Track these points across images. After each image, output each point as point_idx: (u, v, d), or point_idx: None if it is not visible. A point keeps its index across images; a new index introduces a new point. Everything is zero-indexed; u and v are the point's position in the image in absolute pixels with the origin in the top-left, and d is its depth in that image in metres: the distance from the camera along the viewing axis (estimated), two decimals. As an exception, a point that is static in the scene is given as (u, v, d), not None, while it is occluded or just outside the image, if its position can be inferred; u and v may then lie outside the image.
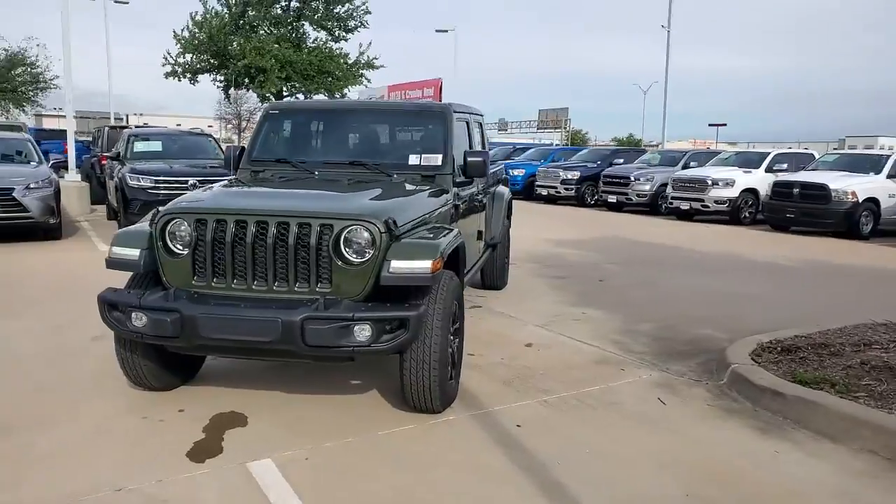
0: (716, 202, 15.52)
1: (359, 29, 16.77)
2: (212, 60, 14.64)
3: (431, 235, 3.90)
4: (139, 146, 11.59)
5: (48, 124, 39.99)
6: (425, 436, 3.69)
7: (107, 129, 15.77)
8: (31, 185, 9.61)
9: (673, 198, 16.35)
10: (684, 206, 16.02)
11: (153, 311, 3.57)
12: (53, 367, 4.67)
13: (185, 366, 4.22)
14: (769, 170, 16.11)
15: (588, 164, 21.05)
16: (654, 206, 17.47)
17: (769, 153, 17.18)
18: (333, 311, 3.46)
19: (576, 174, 20.25)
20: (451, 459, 3.42)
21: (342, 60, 16.11)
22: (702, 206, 15.70)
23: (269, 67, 14.13)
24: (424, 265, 3.57)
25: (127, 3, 25.60)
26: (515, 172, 22.06)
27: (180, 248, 3.73)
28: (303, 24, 15.82)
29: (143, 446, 3.48)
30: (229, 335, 3.50)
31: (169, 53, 15.01)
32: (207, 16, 14.46)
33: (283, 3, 15.43)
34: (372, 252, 3.59)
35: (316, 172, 4.76)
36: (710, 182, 15.67)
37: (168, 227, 3.74)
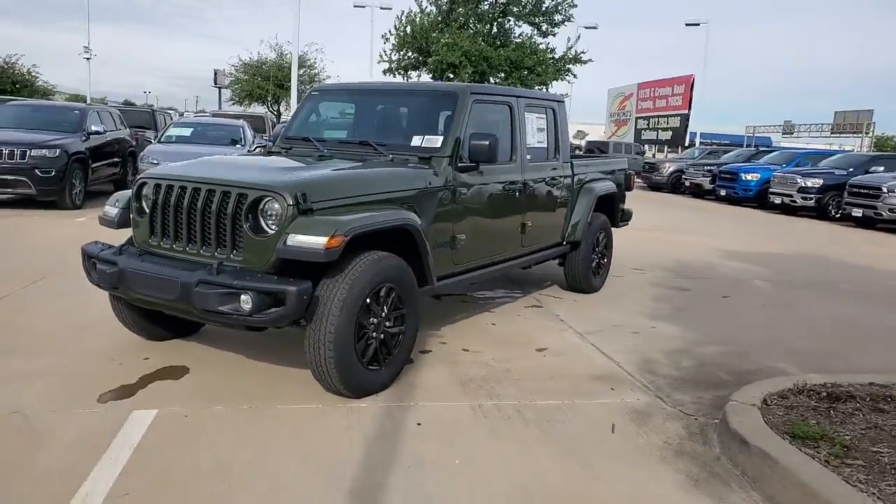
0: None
1: (565, 23, 16.49)
2: (416, 57, 15.50)
3: (347, 213, 3.75)
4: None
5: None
6: (313, 417, 3.60)
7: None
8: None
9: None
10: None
11: (103, 262, 3.98)
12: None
13: (171, 319, 4.53)
14: None
15: (836, 170, 18.14)
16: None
17: None
18: (222, 277, 3.54)
19: (817, 182, 17.54)
20: (299, 443, 3.31)
21: (547, 55, 15.93)
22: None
23: (458, 63, 14.54)
24: (318, 241, 3.48)
25: (390, 8, 28.15)
26: (749, 177, 19.92)
27: (146, 209, 4.09)
28: (508, 20, 15.96)
29: (79, 382, 3.89)
30: (145, 291, 3.77)
31: (384, 51, 16.26)
32: (418, 14, 15.35)
33: (491, 0, 15.75)
34: (278, 224, 3.59)
35: (326, 150, 4.86)
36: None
37: (140, 191, 4.13)
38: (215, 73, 33.54)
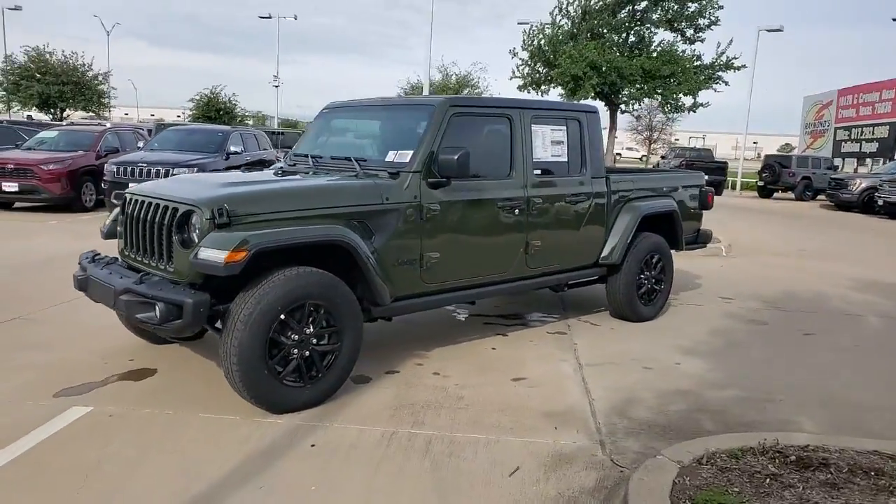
0: None
1: (712, 27, 15.19)
2: (546, 71, 15.18)
3: (270, 228, 3.76)
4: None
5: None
6: (221, 429, 3.66)
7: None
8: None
9: None
10: None
11: (79, 268, 4.37)
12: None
13: None
14: None
15: None
16: None
17: None
18: (142, 287, 3.73)
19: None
20: (184, 451, 3.38)
21: (689, 63, 14.83)
22: None
23: (583, 75, 13.97)
24: (219, 255, 3.55)
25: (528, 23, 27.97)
26: None
27: (122, 222, 4.44)
28: (646, 28, 15.11)
29: (54, 377, 4.27)
30: (97, 296, 4.09)
31: (516, 67, 16.10)
32: (548, 26, 15.03)
33: (628, 8, 14.97)
34: (200, 238, 3.72)
35: (317, 167, 4.93)
36: None
37: (123, 205, 4.49)
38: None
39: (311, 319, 3.87)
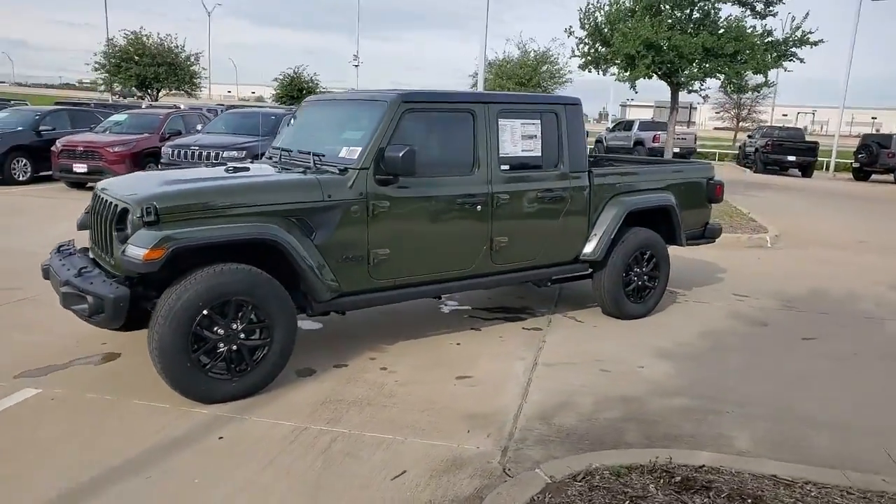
0: None
1: (783, 1, 14.10)
2: (602, 49, 14.62)
3: (200, 225, 3.90)
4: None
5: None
6: (147, 416, 3.85)
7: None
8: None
9: None
10: None
11: (47, 258, 4.67)
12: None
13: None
14: None
15: None
16: None
17: None
18: (78, 280, 3.97)
19: None
20: (99, 436, 3.59)
21: (756, 39, 13.89)
22: None
23: (636, 54, 13.31)
24: (139, 253, 3.72)
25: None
26: None
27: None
28: (711, 2, 14.24)
29: (23, 358, 4.59)
30: (53, 285, 4.36)
31: (576, 46, 15.59)
32: (606, 4, 14.44)
33: (693, -18, 14.16)
34: (131, 234, 3.91)
35: (284, 161, 5.05)
36: None
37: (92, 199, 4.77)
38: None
39: (239, 315, 4.00)
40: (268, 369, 4.17)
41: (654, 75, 14.31)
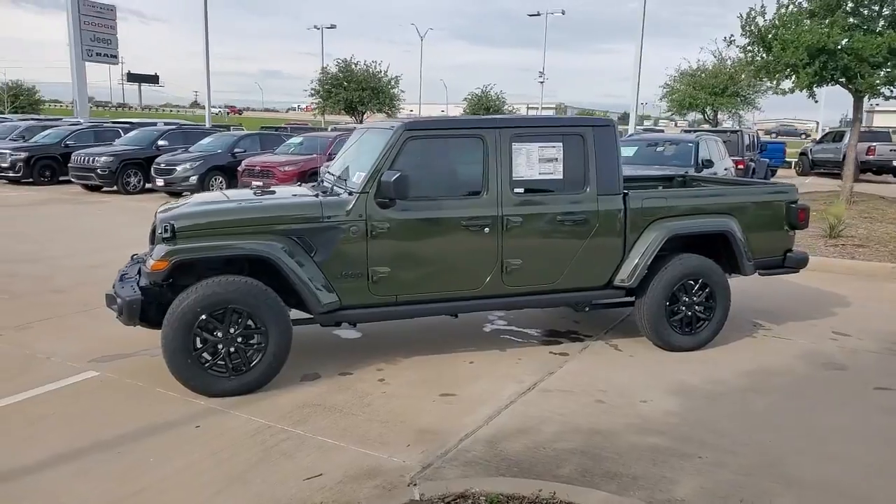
0: None
1: None
2: (763, 56, 13.30)
3: (207, 241, 4.52)
4: None
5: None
6: (150, 401, 4.52)
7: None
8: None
9: None
10: None
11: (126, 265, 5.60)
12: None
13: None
14: None
15: None
16: None
17: None
18: (117, 284, 4.78)
19: None
20: (94, 415, 4.29)
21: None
22: None
23: (798, 62, 11.89)
24: (150, 263, 4.42)
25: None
26: None
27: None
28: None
29: (102, 346, 5.54)
30: (116, 288, 5.24)
31: (744, 55, 14.35)
32: (782, 7, 13.16)
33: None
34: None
35: (322, 184, 5.58)
36: None
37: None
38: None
39: (237, 321, 4.55)
40: (263, 370, 4.66)
41: (828, 82, 12.91)
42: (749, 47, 13.74)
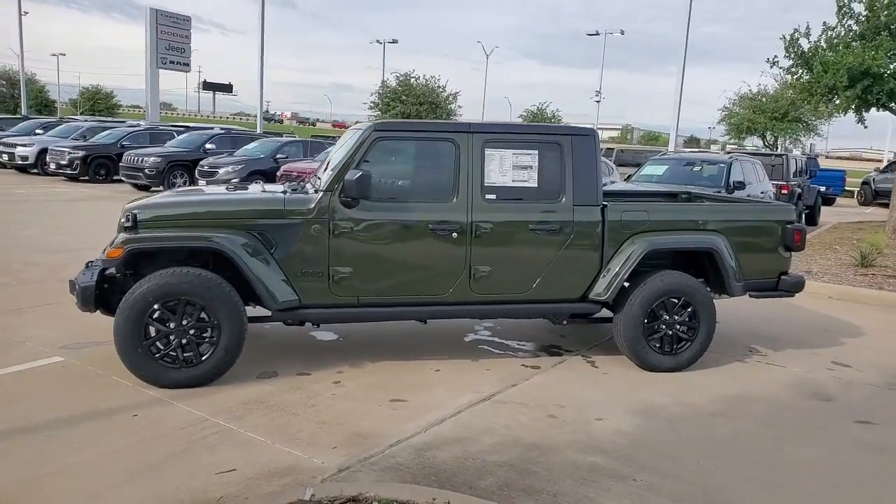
0: None
1: None
2: (805, 77, 12.72)
3: (167, 232, 4.57)
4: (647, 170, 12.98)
5: None
6: (105, 389, 4.57)
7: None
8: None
9: None
10: None
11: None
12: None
13: None
14: None
15: None
16: None
17: None
18: (79, 272, 4.87)
19: None
20: (46, 400, 4.36)
21: None
22: None
23: (838, 85, 11.29)
24: (106, 251, 4.49)
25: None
26: None
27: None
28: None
29: (77, 333, 5.64)
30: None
31: (790, 77, 13.82)
32: (827, 30, 12.61)
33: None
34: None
35: (304, 182, 5.60)
36: None
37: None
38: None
39: (189, 313, 4.57)
40: (214, 364, 4.65)
41: (875, 107, 12.29)
42: (793, 69, 13.23)
